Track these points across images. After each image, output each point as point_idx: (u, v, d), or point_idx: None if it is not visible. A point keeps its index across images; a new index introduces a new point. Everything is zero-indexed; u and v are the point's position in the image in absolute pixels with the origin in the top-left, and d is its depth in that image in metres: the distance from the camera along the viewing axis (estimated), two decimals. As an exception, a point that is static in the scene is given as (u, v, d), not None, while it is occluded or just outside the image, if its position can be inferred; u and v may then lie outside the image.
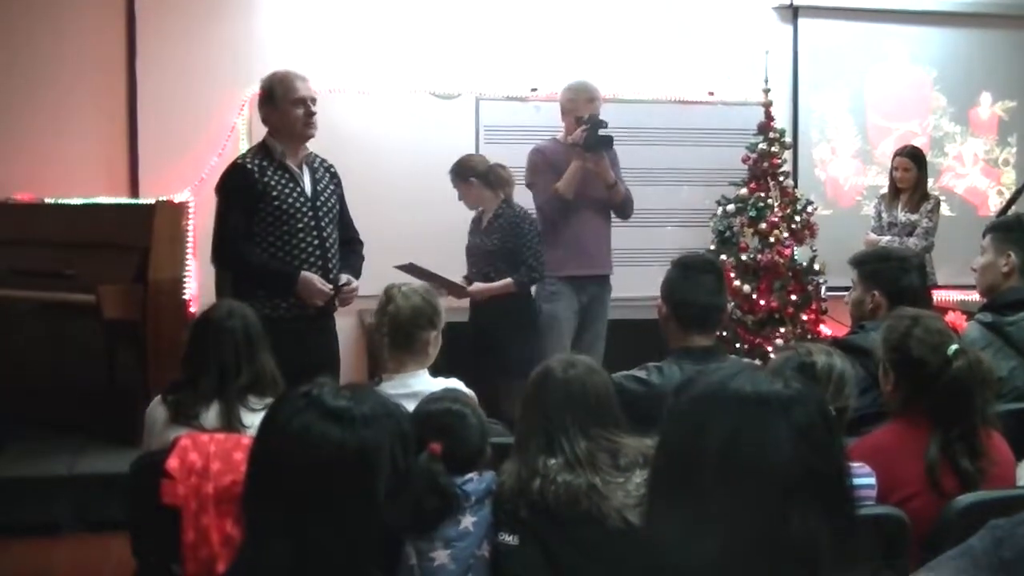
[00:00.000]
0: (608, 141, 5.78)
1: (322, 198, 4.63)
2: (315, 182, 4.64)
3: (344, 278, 4.64)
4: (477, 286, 5.76)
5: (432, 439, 2.59)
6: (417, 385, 3.36)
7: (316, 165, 4.71)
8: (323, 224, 4.61)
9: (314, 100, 4.63)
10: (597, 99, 5.97)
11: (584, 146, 5.75)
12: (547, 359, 2.84)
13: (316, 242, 4.57)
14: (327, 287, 4.54)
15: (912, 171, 6.97)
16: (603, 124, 5.76)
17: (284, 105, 4.56)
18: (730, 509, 1.39)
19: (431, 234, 6.51)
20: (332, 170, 4.83)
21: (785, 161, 7.22)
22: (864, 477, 2.70)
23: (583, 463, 2.57)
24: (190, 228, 5.92)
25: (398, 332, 3.46)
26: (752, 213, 6.95)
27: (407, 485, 1.81)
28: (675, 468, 1.48)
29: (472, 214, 6.01)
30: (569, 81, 6.12)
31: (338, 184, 4.81)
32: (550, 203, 5.89)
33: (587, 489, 2.54)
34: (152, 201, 6.00)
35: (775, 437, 1.42)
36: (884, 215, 7.05)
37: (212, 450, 2.91)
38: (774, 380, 1.49)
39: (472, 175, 5.87)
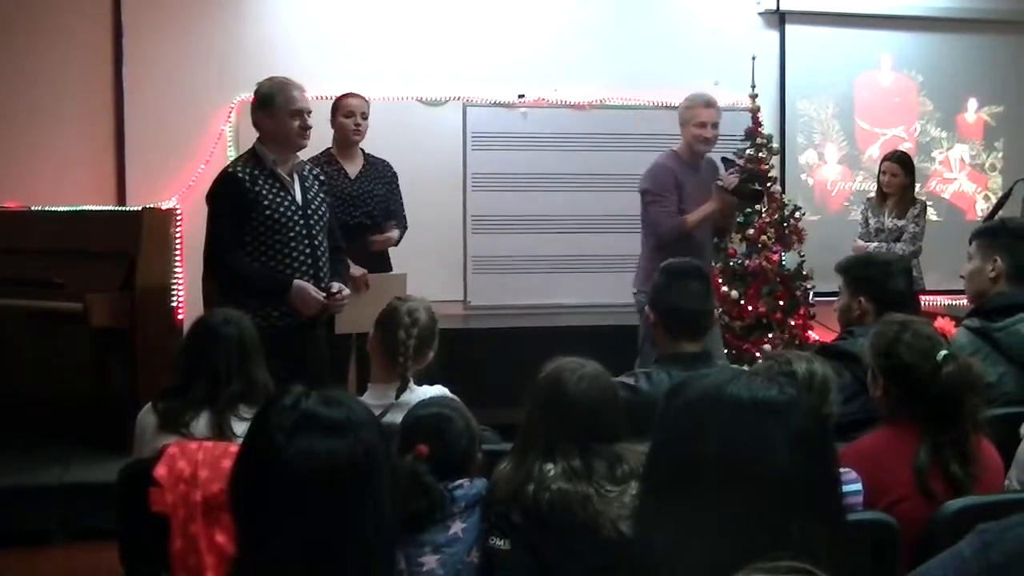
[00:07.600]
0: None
1: (312, 206, 4.62)
2: (305, 190, 4.63)
3: (336, 286, 4.63)
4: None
5: (421, 443, 2.62)
6: (419, 393, 3.37)
7: (306, 173, 4.70)
8: (314, 232, 4.60)
9: (310, 112, 4.62)
10: (714, 105, 5.81)
11: (736, 193, 5.70)
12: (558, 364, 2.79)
13: (308, 250, 4.56)
14: (320, 296, 4.54)
15: (900, 177, 6.96)
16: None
17: (282, 115, 4.54)
18: (727, 515, 1.39)
19: (419, 241, 6.49)
20: (321, 178, 4.83)
21: (772, 167, 7.24)
22: (851, 484, 2.70)
23: (579, 473, 2.56)
24: (178, 236, 5.89)
25: (420, 346, 3.47)
26: (740, 218, 6.96)
27: (394, 485, 1.80)
28: (670, 474, 1.48)
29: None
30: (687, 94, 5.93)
31: (327, 192, 4.81)
32: (673, 230, 5.70)
33: (582, 499, 2.53)
34: (139, 209, 5.98)
35: (773, 443, 1.42)
36: (871, 221, 7.05)
37: (200, 458, 2.90)
38: (768, 386, 1.49)
39: None
